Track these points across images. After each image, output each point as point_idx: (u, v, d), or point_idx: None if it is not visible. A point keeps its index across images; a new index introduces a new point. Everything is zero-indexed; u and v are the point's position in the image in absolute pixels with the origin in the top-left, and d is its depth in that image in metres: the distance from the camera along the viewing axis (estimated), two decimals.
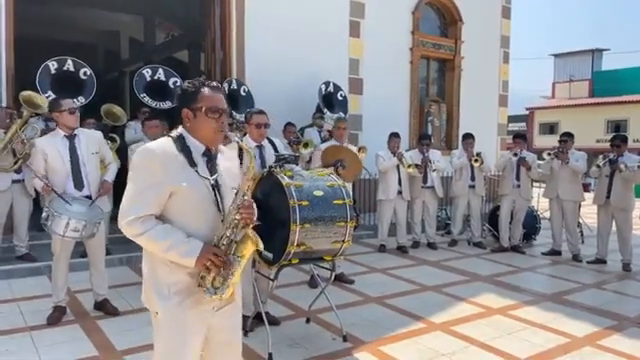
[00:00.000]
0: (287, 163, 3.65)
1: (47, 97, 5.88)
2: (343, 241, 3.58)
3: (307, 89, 8.23)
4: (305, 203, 3.39)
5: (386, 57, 9.53)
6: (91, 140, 4.10)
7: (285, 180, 3.45)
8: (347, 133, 5.37)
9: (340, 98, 8.49)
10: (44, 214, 3.74)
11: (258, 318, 3.86)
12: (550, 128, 33.67)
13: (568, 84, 32.69)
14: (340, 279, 5.27)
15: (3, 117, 5.13)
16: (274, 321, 4.02)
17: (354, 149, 5.37)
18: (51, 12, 11.19)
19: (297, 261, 3.51)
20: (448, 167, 7.33)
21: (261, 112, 3.88)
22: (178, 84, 7.00)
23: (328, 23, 8.81)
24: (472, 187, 7.25)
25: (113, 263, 5.72)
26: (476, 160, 6.95)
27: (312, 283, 5.06)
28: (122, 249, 5.96)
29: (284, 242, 3.40)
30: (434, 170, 6.79)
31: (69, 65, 6.23)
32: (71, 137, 4.00)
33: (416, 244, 7.24)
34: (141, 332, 3.87)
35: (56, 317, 4.00)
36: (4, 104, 5.56)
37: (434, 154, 7.04)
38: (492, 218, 7.92)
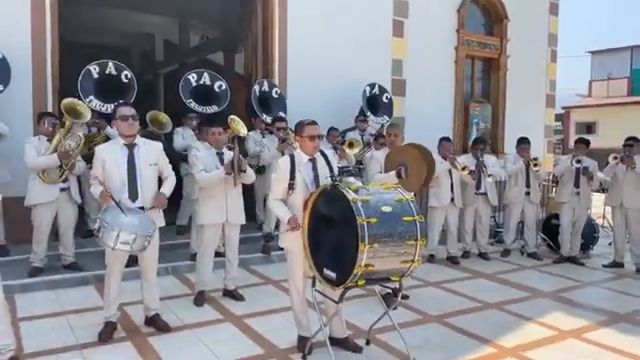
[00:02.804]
0: (351, 175, 3.39)
1: (89, 102, 5.82)
2: (412, 260, 3.31)
3: (349, 91, 7.96)
4: (373, 220, 3.14)
5: (430, 57, 9.18)
6: (151, 151, 3.96)
7: (351, 195, 3.20)
8: (400, 140, 5.04)
9: (385, 101, 8.21)
10: (96, 225, 3.59)
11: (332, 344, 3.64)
12: (587, 128, 32.55)
13: (606, 82, 31.52)
14: (395, 294, 4.98)
15: (46, 126, 5.01)
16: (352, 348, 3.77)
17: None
18: (88, 16, 11.22)
19: (363, 282, 3.25)
20: (502, 173, 6.94)
21: (313, 123, 3.63)
22: (223, 88, 6.84)
23: (371, 23, 8.52)
24: (527, 194, 6.86)
25: (160, 273, 5.46)
26: (535, 164, 6.56)
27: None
28: (168, 258, 5.83)
29: (349, 262, 3.15)
30: (489, 176, 6.43)
31: (111, 68, 6.12)
32: (131, 146, 3.86)
33: (467, 254, 6.90)
34: (191, 351, 3.71)
35: (107, 334, 3.86)
36: (50, 111, 5.47)
37: (489, 159, 6.69)
38: (546, 227, 7.52)
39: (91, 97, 5.87)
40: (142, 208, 3.83)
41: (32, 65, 5.92)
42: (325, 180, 3.52)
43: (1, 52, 5.53)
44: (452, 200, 6.50)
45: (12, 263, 5.30)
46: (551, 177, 9.59)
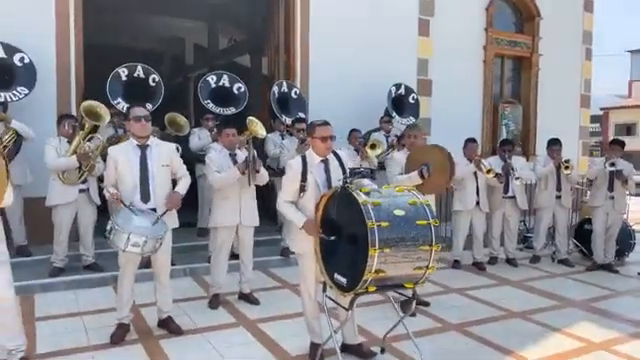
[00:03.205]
0: (362, 177, 3.27)
1: (117, 104, 5.88)
2: (427, 267, 3.16)
3: (373, 92, 7.83)
4: (385, 224, 3.00)
5: (457, 56, 8.94)
6: (163, 152, 3.92)
7: (362, 197, 3.07)
8: (420, 142, 4.88)
9: (412, 101, 8.04)
10: (108, 226, 3.59)
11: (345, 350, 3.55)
12: (627, 129, 31.36)
13: None
14: (410, 302, 4.81)
15: (66, 128, 5.07)
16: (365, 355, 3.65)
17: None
18: (120, 20, 11.44)
19: (374, 289, 3.11)
20: (531, 176, 6.65)
21: (326, 123, 3.51)
22: (242, 90, 6.82)
23: (396, 22, 8.36)
24: (558, 198, 6.56)
25: (177, 274, 5.56)
26: (567, 167, 6.25)
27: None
28: (186, 259, 5.84)
29: (360, 267, 3.02)
30: (517, 178, 6.16)
31: (139, 71, 6.19)
32: (143, 147, 3.84)
33: (494, 260, 6.64)
34: (200, 355, 3.66)
35: (119, 336, 3.84)
36: (74, 114, 5.55)
37: (517, 161, 6.42)
38: (579, 232, 7.18)
39: (119, 99, 5.95)
40: (154, 210, 3.79)
41: (56, 68, 6.02)
42: (338, 182, 3.41)
43: (28, 56, 5.64)
44: (477, 204, 6.27)
45: (34, 263, 5.41)
46: (585, 180, 9.19)
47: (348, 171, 3.37)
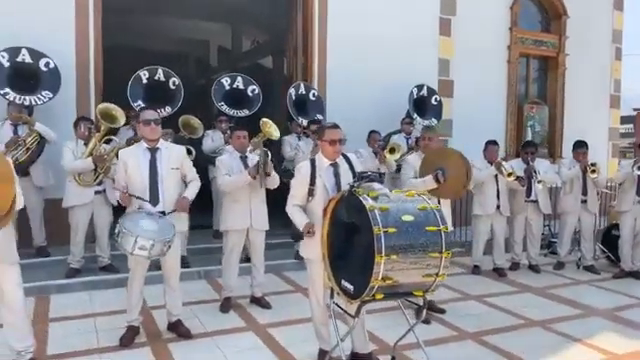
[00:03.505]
0: (370, 181, 3.18)
1: (137, 106, 5.94)
2: (437, 274, 3.06)
3: (393, 93, 7.70)
4: (392, 230, 2.91)
5: (480, 56, 8.74)
6: (173, 155, 3.92)
7: (369, 202, 2.98)
8: (435, 144, 4.74)
9: (434, 103, 7.88)
10: (116, 229, 3.59)
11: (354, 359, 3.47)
12: None
13: None
14: (430, 308, 4.69)
15: (82, 130, 5.13)
16: None
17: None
18: (145, 23, 11.59)
19: (381, 296, 3.02)
20: (555, 179, 6.43)
21: (335, 126, 3.44)
22: (256, 92, 6.79)
23: (416, 22, 8.22)
24: (584, 202, 6.32)
25: (191, 277, 5.59)
26: (593, 171, 6.01)
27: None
28: (201, 261, 5.83)
29: (367, 274, 2.94)
30: (539, 182, 5.95)
31: (160, 74, 6.26)
32: (153, 150, 3.83)
33: (515, 266, 6.44)
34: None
35: (128, 338, 3.84)
36: (92, 117, 5.62)
37: (541, 164, 6.21)
38: (606, 238, 6.91)
39: (139, 102, 6.01)
40: (163, 213, 3.78)
41: (76, 72, 6.11)
42: (346, 186, 3.33)
43: (53, 61, 5.74)
44: (498, 208, 6.09)
45: (52, 264, 5.48)
46: (613, 184, 8.86)
47: (351, 175, 3.29)
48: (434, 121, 7.68)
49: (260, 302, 4.77)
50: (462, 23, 8.61)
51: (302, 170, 3.46)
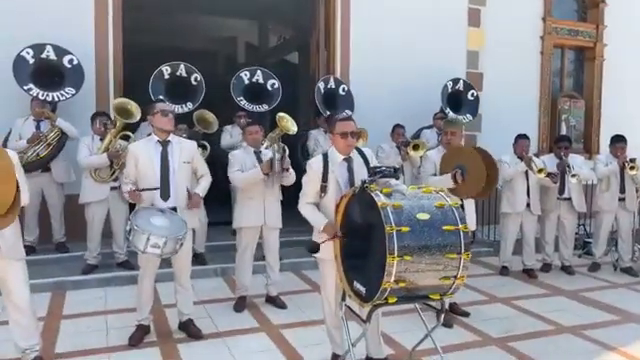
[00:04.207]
0: (384, 177, 2.98)
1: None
2: (455, 277, 2.84)
3: (419, 86, 7.47)
4: (405, 229, 2.70)
5: (511, 48, 8.35)
6: (184, 149, 3.81)
7: (381, 199, 2.79)
8: (460, 139, 4.48)
9: (471, 98, 7.56)
10: (127, 227, 3.50)
11: None
12: None
13: None
14: (453, 311, 4.47)
15: (98, 125, 5.10)
16: None
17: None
18: (176, 21, 11.63)
19: (395, 300, 2.82)
20: (591, 176, 6.06)
21: (348, 118, 3.26)
22: (276, 86, 6.66)
23: (443, 12, 7.92)
24: (622, 200, 5.94)
25: (208, 274, 5.52)
26: (632, 167, 5.63)
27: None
28: (219, 259, 5.74)
29: (379, 276, 2.74)
30: (573, 176, 5.57)
31: (182, 70, 6.21)
32: (165, 143, 3.73)
33: (547, 267, 6.11)
34: None
35: (138, 337, 3.76)
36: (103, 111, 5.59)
37: (575, 159, 5.85)
38: None
39: (161, 97, 5.94)
40: (174, 209, 3.68)
41: (95, 68, 6.10)
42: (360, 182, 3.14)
43: (77, 58, 5.73)
44: (528, 206, 5.77)
45: (70, 259, 5.49)
46: None
47: (366, 170, 3.10)
48: (469, 117, 7.38)
49: (275, 302, 4.63)
50: (492, 13, 8.25)
51: (314, 166, 3.28)
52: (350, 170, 3.27)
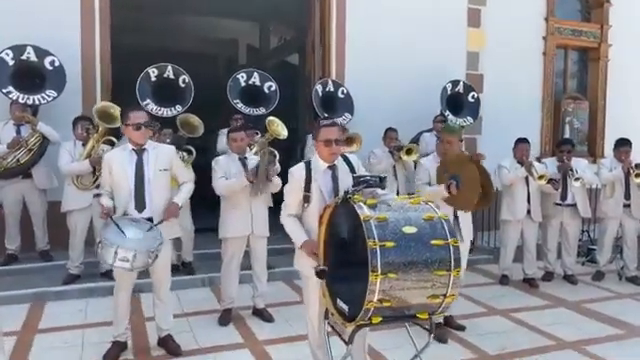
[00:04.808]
0: (369, 186, 2.77)
1: (145, 105, 5.73)
2: (445, 295, 2.62)
3: (417, 88, 7.26)
4: (390, 244, 2.49)
5: (512, 48, 8.13)
6: (161, 155, 3.60)
7: (364, 212, 2.58)
8: (456, 148, 4.14)
9: (471, 100, 7.35)
10: (97, 239, 3.31)
11: None
12: None
13: None
14: (448, 324, 4.25)
15: (79, 130, 4.92)
16: None
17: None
18: (177, 23, 11.48)
19: (379, 320, 2.61)
20: (594, 180, 5.82)
21: (331, 124, 3.04)
22: (273, 88, 6.47)
23: (442, 13, 7.70)
24: (627, 207, 5.71)
25: (195, 284, 5.33)
26: (638, 175, 5.39)
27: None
28: (207, 268, 5.54)
29: (362, 294, 2.53)
30: (577, 179, 5.33)
31: (169, 72, 6.01)
32: (140, 151, 3.54)
33: (549, 276, 5.87)
34: None
35: (113, 355, 3.57)
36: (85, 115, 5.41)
37: (578, 164, 5.61)
38: None
39: (148, 100, 5.80)
40: (150, 219, 3.48)
41: (82, 70, 5.92)
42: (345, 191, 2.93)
43: (58, 59, 5.57)
44: (529, 213, 5.55)
45: (53, 268, 5.31)
46: None
47: (352, 179, 2.88)
48: (469, 120, 7.16)
49: (262, 314, 4.43)
50: (493, 13, 8.03)
51: (295, 174, 3.07)
52: (335, 179, 3.06)
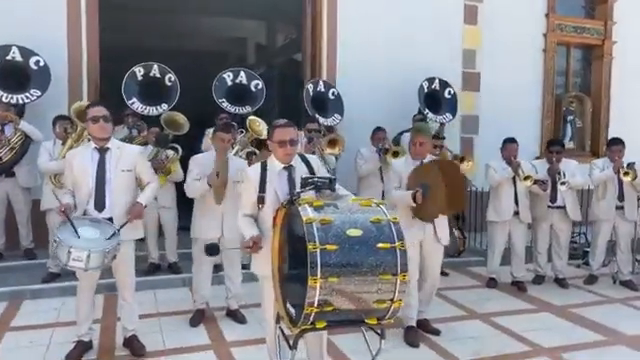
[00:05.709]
0: (316, 188, 2.71)
1: (131, 104, 5.74)
2: (392, 300, 2.54)
3: (412, 87, 7.12)
4: (332, 247, 2.42)
5: (511, 46, 7.96)
6: (125, 156, 3.56)
7: (307, 214, 2.51)
8: (427, 150, 4.01)
9: (448, 96, 7.19)
10: (54, 238, 3.30)
11: None
12: None
13: None
14: (423, 327, 4.16)
15: (58, 130, 4.93)
16: None
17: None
18: (187, 23, 11.52)
19: (323, 325, 2.54)
20: (585, 182, 5.65)
21: (286, 125, 2.97)
22: (260, 87, 6.42)
23: (437, 10, 7.56)
24: (620, 209, 5.53)
25: (175, 284, 5.31)
26: (626, 173, 5.21)
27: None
28: (188, 268, 5.45)
29: (304, 298, 2.48)
30: (562, 183, 5.20)
31: (155, 71, 6.00)
32: (103, 150, 3.51)
33: (539, 279, 5.71)
34: None
35: (75, 355, 3.55)
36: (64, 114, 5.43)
37: (568, 165, 5.45)
38: None
39: (134, 99, 5.80)
40: (110, 219, 3.46)
41: (68, 71, 5.95)
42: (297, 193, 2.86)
43: (44, 59, 5.60)
44: (516, 214, 5.40)
45: (38, 267, 5.32)
46: None
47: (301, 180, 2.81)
48: (449, 117, 7.02)
49: (236, 315, 4.38)
50: (491, 10, 7.87)
51: (250, 175, 3.03)
52: (291, 180, 3.01)
